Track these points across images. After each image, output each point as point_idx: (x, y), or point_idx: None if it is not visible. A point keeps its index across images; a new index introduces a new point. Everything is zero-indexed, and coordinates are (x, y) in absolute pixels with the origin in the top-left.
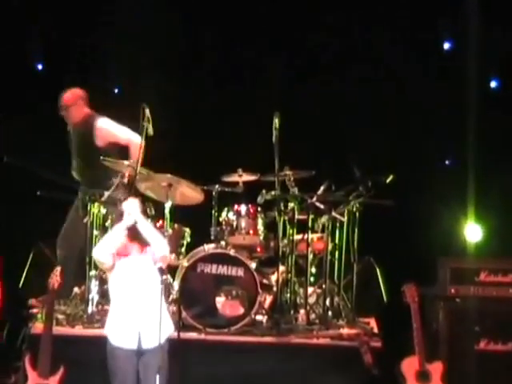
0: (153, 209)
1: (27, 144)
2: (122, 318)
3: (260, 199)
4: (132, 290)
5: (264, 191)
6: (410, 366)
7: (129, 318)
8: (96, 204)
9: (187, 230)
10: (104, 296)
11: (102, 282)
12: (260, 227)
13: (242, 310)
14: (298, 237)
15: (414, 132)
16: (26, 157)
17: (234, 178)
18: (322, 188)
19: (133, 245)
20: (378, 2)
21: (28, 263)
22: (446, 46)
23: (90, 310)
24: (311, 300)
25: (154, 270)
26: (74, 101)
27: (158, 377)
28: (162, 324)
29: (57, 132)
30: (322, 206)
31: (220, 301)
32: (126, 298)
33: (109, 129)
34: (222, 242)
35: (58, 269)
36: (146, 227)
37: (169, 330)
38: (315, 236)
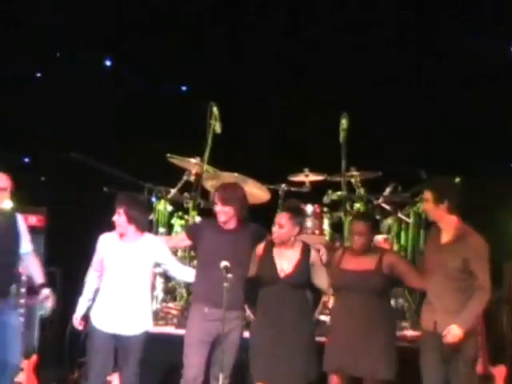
0: None
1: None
2: (106, 302)
3: (326, 199)
4: (121, 275)
5: (330, 191)
6: None
7: (113, 303)
8: (162, 201)
9: None
10: (169, 293)
11: (167, 279)
12: (326, 227)
13: None
14: None
15: (480, 134)
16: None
17: (300, 177)
18: (388, 189)
19: (130, 226)
20: None
21: None
22: None
23: (154, 307)
24: None
25: (146, 259)
26: None
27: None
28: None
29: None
30: (387, 207)
31: None
32: (115, 282)
33: None
34: None
35: None
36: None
37: (147, 324)
38: (381, 237)
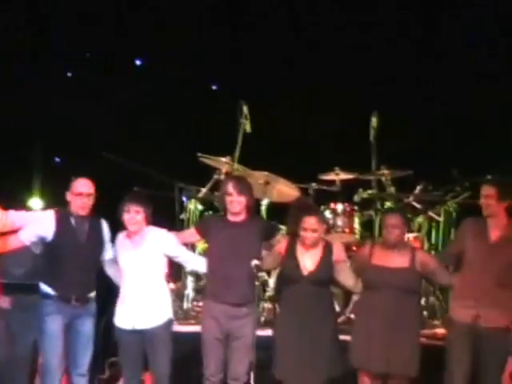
0: None
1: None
2: (123, 300)
3: (357, 198)
4: (133, 271)
5: (361, 190)
6: None
7: (129, 300)
8: (193, 200)
9: (282, 228)
10: (200, 292)
11: (198, 278)
12: (356, 226)
13: (336, 309)
14: None
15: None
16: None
17: (330, 176)
18: (418, 187)
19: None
20: None
21: None
22: None
23: (185, 306)
24: None
25: (154, 251)
26: None
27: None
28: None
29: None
30: (418, 206)
31: None
32: (128, 279)
33: None
34: None
35: None
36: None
37: (166, 313)
38: (411, 235)
